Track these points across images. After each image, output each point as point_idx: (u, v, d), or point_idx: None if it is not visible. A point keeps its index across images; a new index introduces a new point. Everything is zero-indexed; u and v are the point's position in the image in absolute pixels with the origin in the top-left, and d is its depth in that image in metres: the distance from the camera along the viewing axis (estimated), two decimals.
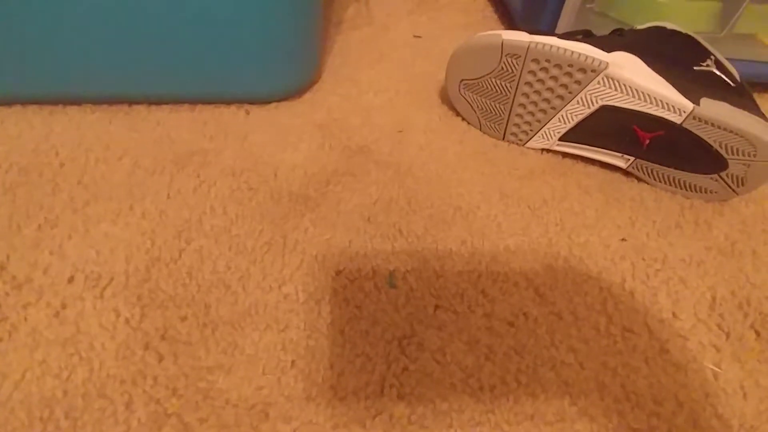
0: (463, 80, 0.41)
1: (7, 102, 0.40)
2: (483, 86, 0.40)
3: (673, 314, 0.30)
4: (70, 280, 0.29)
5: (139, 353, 0.26)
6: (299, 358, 0.26)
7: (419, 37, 0.57)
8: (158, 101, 0.42)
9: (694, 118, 0.34)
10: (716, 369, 0.27)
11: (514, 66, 0.37)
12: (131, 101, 0.42)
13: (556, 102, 0.38)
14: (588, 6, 0.52)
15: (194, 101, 0.42)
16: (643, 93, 0.35)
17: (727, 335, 0.29)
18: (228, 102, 0.43)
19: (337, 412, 0.24)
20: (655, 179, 0.38)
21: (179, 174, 0.36)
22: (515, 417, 0.25)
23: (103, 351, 0.26)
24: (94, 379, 0.25)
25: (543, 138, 0.40)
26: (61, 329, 0.26)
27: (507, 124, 0.41)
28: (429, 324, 0.28)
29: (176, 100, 0.42)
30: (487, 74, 0.39)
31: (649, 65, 0.35)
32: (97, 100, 0.41)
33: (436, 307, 0.29)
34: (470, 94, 0.41)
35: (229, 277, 0.30)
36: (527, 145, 0.41)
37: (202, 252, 0.31)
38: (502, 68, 0.38)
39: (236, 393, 0.25)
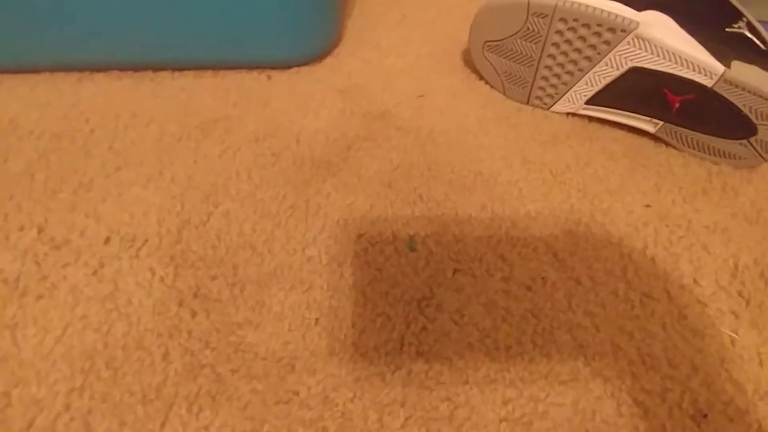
0: (486, 42, 0.40)
1: (37, 69, 0.41)
2: (507, 48, 0.39)
3: (694, 281, 0.30)
4: (107, 241, 0.30)
5: (174, 309, 0.27)
6: (323, 317, 0.27)
7: None
8: (181, 67, 0.42)
9: (725, 81, 0.32)
10: (734, 335, 0.28)
11: (540, 26, 0.36)
12: (156, 68, 0.42)
13: (584, 64, 0.36)
14: None
15: (216, 67, 0.42)
16: (674, 54, 0.33)
17: (747, 302, 0.29)
18: (250, 67, 0.43)
19: (359, 367, 0.25)
20: (683, 144, 0.37)
21: (205, 140, 0.37)
22: (530, 375, 0.25)
23: (140, 307, 0.27)
24: (132, 333, 0.26)
25: (569, 102, 0.39)
26: (99, 287, 0.28)
27: (532, 88, 0.40)
28: (448, 286, 0.29)
29: (199, 66, 0.42)
30: (512, 35, 0.38)
31: (681, 25, 0.34)
32: (123, 67, 0.42)
33: (455, 270, 0.30)
34: (494, 57, 0.40)
35: (255, 239, 0.31)
36: (552, 109, 0.40)
37: (229, 215, 0.32)
38: (528, 28, 0.37)
39: (264, 347, 0.26)
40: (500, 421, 0.24)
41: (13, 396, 0.24)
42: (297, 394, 0.25)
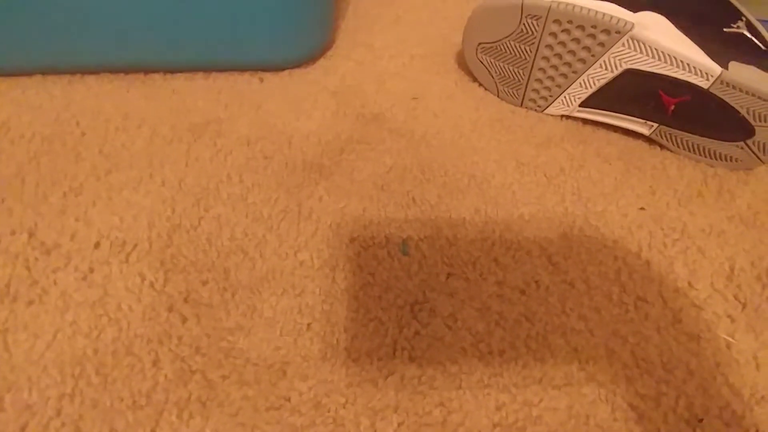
0: (480, 44, 0.40)
1: (28, 72, 0.41)
2: (501, 50, 0.39)
3: (689, 284, 0.30)
4: (97, 245, 0.30)
5: (164, 315, 0.27)
6: (315, 321, 0.27)
7: None
8: (173, 69, 0.42)
9: (721, 82, 0.32)
10: (730, 339, 0.27)
11: (534, 28, 0.36)
12: (147, 70, 0.42)
13: (578, 66, 0.36)
14: None
15: (208, 69, 0.42)
16: (669, 56, 0.33)
17: (744, 306, 0.29)
18: (242, 69, 0.43)
19: (351, 372, 0.25)
20: (678, 146, 0.37)
21: (196, 143, 0.36)
22: (523, 380, 0.25)
23: (130, 312, 0.27)
24: (122, 339, 0.26)
25: (563, 104, 0.39)
26: (89, 292, 0.28)
27: (525, 90, 0.40)
28: (441, 291, 0.29)
29: (190, 68, 0.42)
30: (506, 37, 0.38)
31: (676, 26, 0.34)
32: (114, 69, 0.42)
33: (449, 274, 0.29)
34: (488, 59, 0.40)
35: (247, 243, 0.30)
36: (546, 111, 0.40)
37: (220, 219, 0.32)
38: (522, 30, 0.37)
39: (256, 352, 0.26)
40: (494, 426, 0.24)
41: (6, 401, 0.24)
42: (288, 399, 0.24)
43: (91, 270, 0.29)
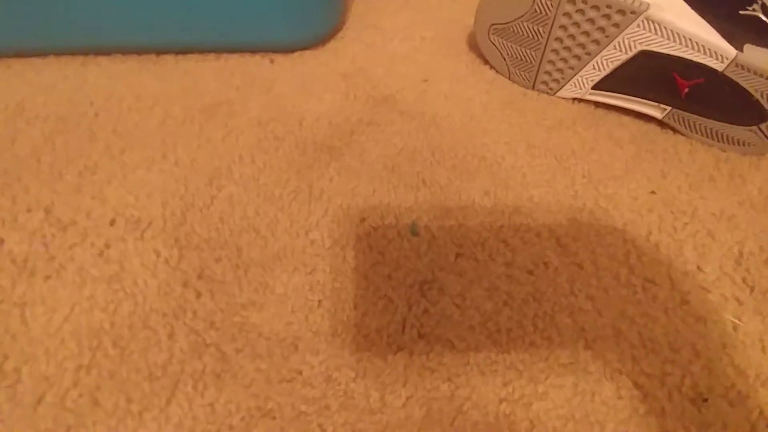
0: (492, 25, 0.40)
1: (42, 53, 0.41)
2: (514, 31, 0.38)
3: (698, 267, 0.30)
4: (112, 222, 0.30)
5: (179, 290, 0.28)
6: (325, 299, 0.28)
7: None
8: (185, 51, 0.42)
9: (736, 65, 0.32)
10: (737, 321, 0.27)
11: (548, 8, 0.36)
12: (159, 51, 0.42)
13: (592, 47, 0.36)
14: None
15: (220, 50, 0.42)
16: (684, 37, 0.33)
17: (752, 289, 0.29)
18: (253, 51, 0.43)
19: (361, 347, 0.26)
20: (691, 130, 0.37)
21: (208, 123, 0.37)
22: (530, 358, 0.26)
23: (145, 287, 0.28)
24: (138, 312, 0.27)
25: (575, 86, 0.39)
26: (106, 267, 0.28)
27: (538, 72, 0.39)
28: (450, 270, 0.29)
29: (202, 50, 0.42)
30: (519, 18, 0.37)
31: (692, 7, 0.33)
32: (127, 50, 0.42)
33: (458, 254, 0.30)
34: (500, 40, 0.40)
35: (259, 222, 0.31)
36: (558, 94, 0.40)
37: (232, 199, 0.32)
38: (535, 10, 0.36)
39: (268, 327, 0.26)
40: (500, 401, 0.24)
41: (23, 372, 0.24)
42: (300, 373, 0.25)
43: (107, 246, 0.29)
